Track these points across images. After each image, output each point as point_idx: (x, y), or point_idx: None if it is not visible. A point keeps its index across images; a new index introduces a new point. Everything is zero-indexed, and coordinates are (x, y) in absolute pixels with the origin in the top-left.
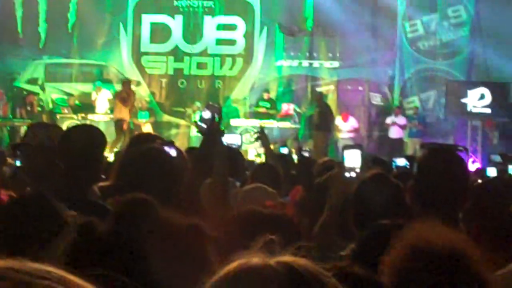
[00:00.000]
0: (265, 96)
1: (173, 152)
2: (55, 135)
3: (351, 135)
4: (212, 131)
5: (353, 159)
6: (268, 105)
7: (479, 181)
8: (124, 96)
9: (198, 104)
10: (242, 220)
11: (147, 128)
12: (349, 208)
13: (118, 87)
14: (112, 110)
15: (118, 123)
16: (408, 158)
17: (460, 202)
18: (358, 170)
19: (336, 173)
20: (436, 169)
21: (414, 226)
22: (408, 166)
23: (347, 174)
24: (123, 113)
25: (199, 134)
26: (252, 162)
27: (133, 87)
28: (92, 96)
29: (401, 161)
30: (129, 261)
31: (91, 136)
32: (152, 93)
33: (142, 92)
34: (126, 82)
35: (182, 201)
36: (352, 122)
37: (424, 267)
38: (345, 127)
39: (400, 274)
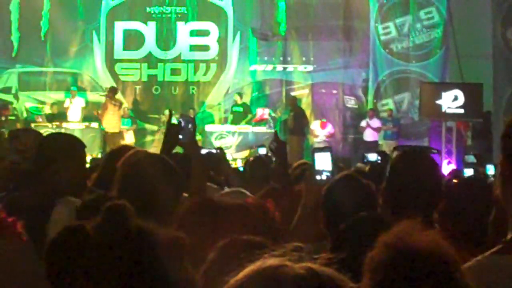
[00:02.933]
0: (238, 100)
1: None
2: (26, 142)
3: (327, 140)
4: (189, 142)
5: (323, 162)
6: (241, 109)
7: (454, 181)
8: (113, 105)
9: (167, 112)
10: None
11: (129, 136)
12: (320, 210)
13: (91, 95)
14: (85, 119)
15: (110, 135)
16: (379, 153)
17: (433, 204)
18: (328, 173)
19: (308, 175)
20: (408, 171)
21: (394, 227)
22: (379, 161)
23: (318, 177)
24: (113, 123)
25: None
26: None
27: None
28: (65, 104)
29: (372, 156)
30: (112, 268)
31: (69, 144)
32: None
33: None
34: (112, 89)
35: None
36: (329, 129)
37: (405, 270)
38: (322, 133)
39: (380, 276)
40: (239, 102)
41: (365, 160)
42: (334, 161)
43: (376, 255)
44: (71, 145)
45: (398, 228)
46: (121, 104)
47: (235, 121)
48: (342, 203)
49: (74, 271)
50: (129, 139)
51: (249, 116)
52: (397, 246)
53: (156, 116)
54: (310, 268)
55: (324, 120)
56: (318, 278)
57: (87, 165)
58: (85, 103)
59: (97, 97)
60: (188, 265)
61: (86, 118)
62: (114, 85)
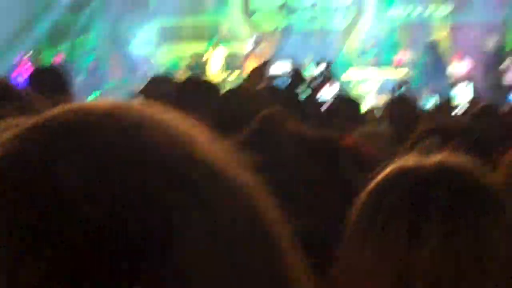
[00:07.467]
0: (370, 44)
1: None
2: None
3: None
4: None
5: (463, 94)
6: (374, 53)
7: None
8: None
9: (308, 58)
10: None
11: None
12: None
13: (234, 45)
14: (228, 67)
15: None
16: None
17: None
18: (468, 104)
19: (442, 107)
20: None
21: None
22: None
23: (456, 109)
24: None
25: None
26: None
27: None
28: (207, 55)
29: None
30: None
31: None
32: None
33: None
34: (256, 40)
35: None
36: (466, 63)
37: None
38: (459, 67)
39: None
40: (371, 47)
41: (508, 100)
42: (476, 92)
43: (498, 175)
44: (208, 88)
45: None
46: (265, 55)
47: (369, 65)
48: (481, 135)
49: None
50: None
51: (382, 59)
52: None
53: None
54: (444, 165)
55: (459, 51)
56: (455, 175)
57: None
58: (228, 53)
59: (239, 47)
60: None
61: (228, 67)
62: (254, 35)
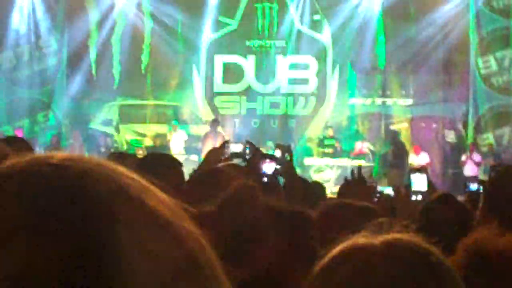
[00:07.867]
0: (329, 133)
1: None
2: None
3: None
4: (287, 169)
5: (419, 183)
6: (333, 142)
7: None
8: (213, 137)
9: (269, 143)
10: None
11: None
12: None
13: (193, 128)
14: (187, 151)
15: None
16: (480, 182)
17: None
18: (424, 194)
19: (402, 196)
20: (508, 187)
21: (476, 231)
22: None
23: (413, 197)
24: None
25: None
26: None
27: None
28: (168, 136)
29: (474, 186)
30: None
31: (167, 161)
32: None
33: None
34: (214, 122)
35: None
36: (424, 156)
37: (482, 272)
38: (417, 160)
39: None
40: (331, 135)
41: (467, 189)
42: (430, 182)
43: (456, 259)
44: (169, 162)
45: (477, 233)
46: (223, 137)
47: (327, 155)
48: (437, 223)
49: None
50: None
51: (339, 149)
52: (475, 250)
53: None
54: (392, 244)
55: (417, 145)
56: (403, 253)
57: None
58: (187, 135)
59: (199, 129)
60: (313, 239)
61: (187, 150)
62: (214, 117)
